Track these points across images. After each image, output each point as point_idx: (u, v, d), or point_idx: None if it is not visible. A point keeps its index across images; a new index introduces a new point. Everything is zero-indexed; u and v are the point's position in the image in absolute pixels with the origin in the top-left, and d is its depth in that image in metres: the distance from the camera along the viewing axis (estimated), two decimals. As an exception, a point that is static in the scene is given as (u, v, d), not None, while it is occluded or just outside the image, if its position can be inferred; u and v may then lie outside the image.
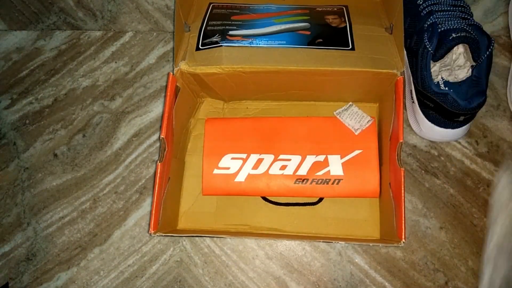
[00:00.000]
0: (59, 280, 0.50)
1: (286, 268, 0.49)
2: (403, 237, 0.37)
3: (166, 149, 0.41)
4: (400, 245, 0.37)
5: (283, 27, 0.46)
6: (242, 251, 0.50)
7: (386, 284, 0.48)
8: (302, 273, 0.49)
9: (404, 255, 0.48)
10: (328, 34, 0.45)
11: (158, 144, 0.54)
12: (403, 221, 0.37)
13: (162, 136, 0.40)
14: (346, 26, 0.46)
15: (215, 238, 0.50)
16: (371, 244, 0.47)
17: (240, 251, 0.50)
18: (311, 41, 0.45)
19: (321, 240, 0.47)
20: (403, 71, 0.42)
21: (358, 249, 0.49)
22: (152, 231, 0.38)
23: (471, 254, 0.48)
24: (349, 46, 0.44)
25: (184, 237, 0.50)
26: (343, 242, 0.45)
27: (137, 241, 0.51)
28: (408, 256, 0.48)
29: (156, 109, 0.56)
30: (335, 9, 0.49)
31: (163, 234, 0.40)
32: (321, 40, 0.45)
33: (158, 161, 0.39)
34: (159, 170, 0.39)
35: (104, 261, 0.50)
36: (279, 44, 0.44)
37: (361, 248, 0.49)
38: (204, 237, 0.50)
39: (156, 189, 0.39)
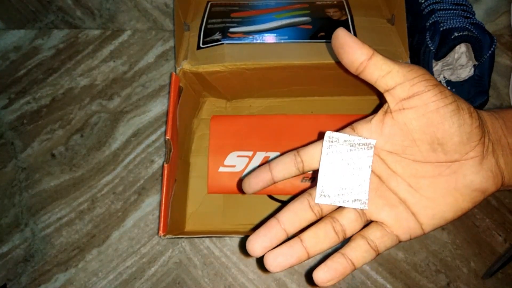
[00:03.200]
0: (57, 282, 0.49)
1: (287, 270, 0.48)
2: None
3: (172, 150, 0.40)
4: None
5: (284, 22, 0.46)
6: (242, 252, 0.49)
7: (388, 285, 0.47)
8: (303, 275, 0.48)
9: (405, 257, 0.48)
10: (330, 27, 0.45)
11: (157, 144, 0.54)
12: None
13: (167, 137, 0.39)
14: (347, 18, 0.46)
15: (214, 239, 0.50)
16: None
17: (240, 252, 0.49)
18: (313, 35, 0.44)
19: None
20: (408, 61, 0.42)
21: (359, 250, 0.48)
22: (162, 234, 0.38)
23: (473, 255, 0.47)
24: None
25: (183, 239, 0.50)
26: None
27: (136, 242, 0.50)
28: (410, 257, 0.48)
29: (154, 108, 0.55)
30: (335, 2, 0.49)
31: (173, 236, 0.39)
32: (323, 33, 0.44)
33: (165, 163, 0.39)
34: (166, 171, 0.39)
35: (102, 263, 0.50)
36: (281, 39, 0.44)
37: (362, 249, 0.48)
38: (204, 238, 0.50)
39: (164, 190, 0.39)
